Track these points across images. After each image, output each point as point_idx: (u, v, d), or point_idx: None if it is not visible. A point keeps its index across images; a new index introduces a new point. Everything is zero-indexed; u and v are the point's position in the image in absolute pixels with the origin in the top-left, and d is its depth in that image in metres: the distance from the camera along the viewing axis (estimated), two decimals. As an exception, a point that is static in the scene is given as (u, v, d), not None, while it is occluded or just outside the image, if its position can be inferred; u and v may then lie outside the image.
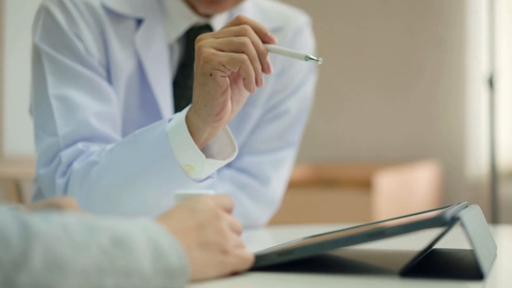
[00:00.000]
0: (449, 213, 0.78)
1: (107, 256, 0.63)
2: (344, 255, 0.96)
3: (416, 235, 0.80)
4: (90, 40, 1.31)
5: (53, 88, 1.28)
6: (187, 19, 1.38)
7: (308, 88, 1.53)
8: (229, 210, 0.82)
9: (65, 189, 1.23)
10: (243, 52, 1.04)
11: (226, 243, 0.77)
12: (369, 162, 3.95)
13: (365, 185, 3.19)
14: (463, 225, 0.76)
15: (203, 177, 1.13)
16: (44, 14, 1.32)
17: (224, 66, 1.04)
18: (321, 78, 4.04)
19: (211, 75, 1.05)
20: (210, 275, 0.75)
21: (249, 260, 0.80)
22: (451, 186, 3.86)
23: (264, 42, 1.06)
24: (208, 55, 1.04)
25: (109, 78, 1.33)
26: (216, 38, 1.06)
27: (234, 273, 0.79)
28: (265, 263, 0.81)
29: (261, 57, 1.05)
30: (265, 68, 1.06)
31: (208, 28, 1.40)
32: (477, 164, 3.76)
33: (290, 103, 1.48)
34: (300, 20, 1.52)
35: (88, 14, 1.32)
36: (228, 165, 1.44)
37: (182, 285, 0.69)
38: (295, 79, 1.50)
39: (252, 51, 1.04)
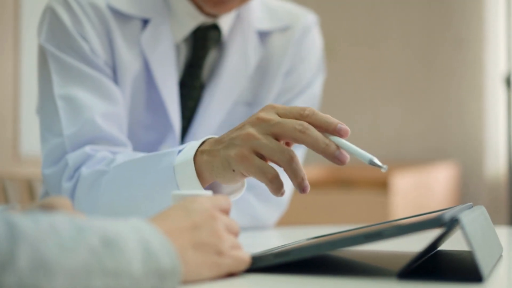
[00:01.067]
0: (448, 214, 0.76)
1: (95, 257, 0.62)
2: (345, 255, 0.95)
3: (423, 236, 0.79)
4: (96, 41, 1.31)
5: (59, 88, 1.28)
6: (194, 19, 1.38)
7: (317, 87, 1.52)
8: (226, 211, 0.81)
9: (72, 194, 1.22)
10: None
11: (221, 244, 0.76)
12: (386, 163, 3.92)
13: (382, 185, 3.17)
14: (461, 226, 0.75)
15: None
16: (49, 14, 1.32)
17: (249, 172, 0.96)
18: (339, 78, 4.04)
19: (234, 171, 0.97)
20: (204, 276, 0.74)
21: (245, 261, 0.79)
22: (469, 186, 3.83)
23: (331, 134, 0.94)
24: (244, 154, 0.95)
25: (115, 78, 1.33)
26: (271, 125, 0.94)
27: (230, 275, 0.78)
28: (262, 265, 0.81)
29: (325, 154, 0.93)
30: (336, 161, 0.94)
31: (215, 28, 1.40)
32: (495, 164, 3.73)
33: (298, 102, 1.47)
34: (308, 19, 1.51)
35: (93, 15, 1.32)
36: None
37: (173, 286, 0.68)
38: (303, 78, 1.49)
39: (294, 170, 0.93)
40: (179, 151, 1.05)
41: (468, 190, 3.83)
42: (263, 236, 1.39)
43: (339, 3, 4.06)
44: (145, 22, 1.36)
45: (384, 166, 0.92)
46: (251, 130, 0.95)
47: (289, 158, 0.92)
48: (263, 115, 0.95)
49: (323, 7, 4.00)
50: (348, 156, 0.94)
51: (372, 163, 0.92)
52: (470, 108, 3.84)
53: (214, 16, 1.39)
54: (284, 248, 0.85)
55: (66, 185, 1.22)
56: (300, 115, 0.94)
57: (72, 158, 1.23)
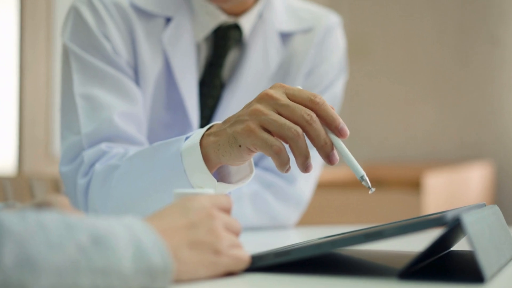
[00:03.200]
0: (451, 214, 0.75)
1: (84, 255, 0.62)
2: (352, 254, 0.94)
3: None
4: (118, 40, 1.32)
5: (79, 87, 1.29)
6: (215, 18, 1.38)
7: (338, 87, 1.50)
8: (226, 210, 0.80)
9: (87, 190, 1.23)
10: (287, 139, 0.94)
11: (218, 243, 0.75)
12: (420, 162, 3.89)
13: (414, 185, 3.14)
14: (463, 226, 0.73)
15: None
16: (73, 14, 1.34)
17: (256, 147, 0.95)
18: (373, 77, 4.01)
19: (240, 146, 0.97)
20: (201, 275, 0.74)
21: (244, 260, 0.78)
22: (505, 186, 3.77)
23: (332, 131, 0.94)
24: (250, 128, 0.94)
25: (136, 78, 1.34)
26: (280, 104, 0.94)
27: (229, 274, 0.77)
28: (262, 264, 0.80)
29: (321, 150, 0.94)
30: (327, 160, 0.94)
31: (236, 27, 1.39)
32: (531, 164, 3.67)
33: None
34: (330, 20, 1.50)
35: (117, 14, 1.33)
36: (255, 164, 1.42)
37: (164, 285, 0.67)
38: (325, 78, 1.48)
39: (300, 147, 0.93)
40: (187, 138, 1.06)
41: (503, 190, 3.77)
42: (282, 236, 1.38)
43: (371, 2, 4.03)
44: (168, 20, 1.37)
45: (372, 189, 0.93)
46: (259, 106, 0.95)
47: (296, 134, 0.92)
48: (272, 92, 0.95)
49: (355, 6, 3.98)
50: (338, 158, 0.94)
51: (362, 179, 0.93)
52: (506, 107, 3.79)
53: (236, 15, 1.39)
54: (285, 247, 0.84)
55: (81, 181, 1.23)
56: (311, 101, 0.94)
57: (88, 154, 1.24)
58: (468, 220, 0.75)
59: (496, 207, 0.99)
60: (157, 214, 0.75)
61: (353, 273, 0.80)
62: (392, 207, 3.14)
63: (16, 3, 3.25)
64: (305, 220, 3.07)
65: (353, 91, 3.99)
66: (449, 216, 0.74)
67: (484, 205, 0.99)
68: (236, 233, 0.80)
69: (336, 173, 3.48)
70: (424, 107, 3.95)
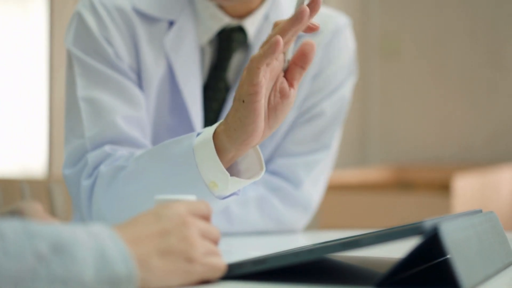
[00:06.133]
0: (429, 222, 0.73)
1: (43, 264, 0.62)
2: (343, 260, 0.92)
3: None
4: (121, 45, 1.32)
5: (82, 91, 1.30)
6: (219, 21, 1.37)
7: (346, 90, 1.48)
8: (205, 217, 0.79)
9: (91, 191, 1.24)
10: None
11: (192, 250, 0.74)
12: (451, 164, 3.84)
13: (444, 187, 3.11)
14: (439, 235, 0.72)
15: (227, 194, 1.11)
16: (76, 18, 1.34)
17: (252, 84, 1.00)
18: (404, 78, 3.97)
19: (244, 101, 1.01)
20: (173, 283, 0.73)
21: (220, 268, 0.77)
22: (538, 189, 3.71)
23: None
24: (243, 79, 1.01)
25: (139, 82, 1.34)
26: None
27: (205, 282, 0.77)
28: (239, 272, 0.79)
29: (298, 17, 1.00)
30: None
31: (240, 30, 1.38)
32: None
33: (325, 105, 1.45)
34: (339, 22, 1.48)
35: (119, 19, 1.33)
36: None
37: (128, 294, 0.67)
38: (332, 80, 1.46)
39: (274, 33, 1.00)
40: (198, 134, 1.08)
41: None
42: (289, 240, 1.37)
43: (402, 2, 3.99)
44: (171, 24, 1.37)
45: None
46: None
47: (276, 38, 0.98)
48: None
49: (386, 6, 3.94)
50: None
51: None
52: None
53: (240, 18, 1.38)
54: (263, 256, 0.83)
55: (85, 183, 1.24)
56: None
57: (92, 156, 1.25)
58: (446, 229, 0.73)
59: (493, 214, 0.97)
60: (131, 221, 0.74)
61: (334, 280, 0.79)
62: (421, 210, 3.11)
63: (46, 3, 3.29)
64: (332, 222, 3.07)
65: (383, 91, 3.96)
66: (427, 225, 0.72)
67: (480, 211, 0.97)
68: (214, 241, 0.79)
69: (365, 175, 3.45)
70: (455, 108, 3.90)
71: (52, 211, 1.94)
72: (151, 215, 0.75)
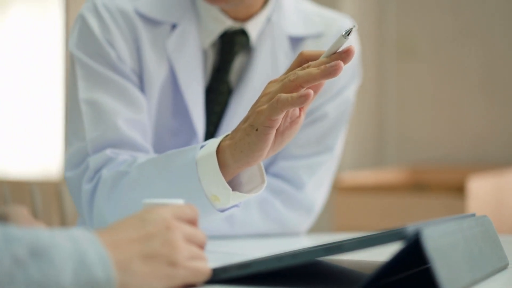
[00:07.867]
0: (412, 227, 0.73)
1: (20, 268, 0.62)
2: (334, 262, 0.92)
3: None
4: (123, 48, 1.33)
5: (84, 93, 1.31)
6: (221, 24, 1.37)
7: (350, 93, 1.48)
8: (191, 221, 0.79)
9: (92, 196, 1.25)
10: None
11: (175, 254, 0.75)
12: (466, 165, 3.81)
13: (459, 189, 3.09)
14: (421, 240, 0.71)
15: (228, 206, 1.12)
16: (80, 21, 1.35)
17: (270, 119, 1.00)
18: (420, 78, 3.95)
19: (257, 130, 1.02)
20: (156, 287, 0.73)
21: (204, 273, 0.77)
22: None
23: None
24: (261, 109, 1.01)
25: (142, 85, 1.34)
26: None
27: (190, 286, 0.77)
28: (224, 276, 0.79)
29: (324, 72, 1.02)
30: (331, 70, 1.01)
31: (243, 33, 1.38)
32: None
33: (329, 107, 1.44)
34: (343, 24, 1.47)
35: (122, 22, 1.34)
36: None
37: (107, 298, 0.67)
38: (336, 84, 1.45)
39: (303, 77, 1.00)
40: (202, 147, 1.09)
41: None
42: (292, 242, 1.37)
43: (419, 3, 3.97)
44: (173, 27, 1.37)
45: (355, 25, 1.05)
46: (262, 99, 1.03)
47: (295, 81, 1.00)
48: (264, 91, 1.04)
49: (403, 6, 3.92)
50: (342, 66, 1.02)
51: (346, 36, 1.02)
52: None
53: (242, 20, 1.38)
54: (246, 260, 0.83)
55: (86, 187, 1.24)
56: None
57: (93, 160, 1.25)
58: (428, 234, 0.73)
59: (486, 218, 0.96)
60: (114, 225, 0.75)
61: (321, 283, 0.79)
62: (436, 212, 3.09)
63: (62, 4, 3.31)
64: (348, 223, 3.06)
65: (399, 92, 3.94)
66: (409, 230, 0.72)
67: (473, 215, 0.97)
68: (200, 245, 0.79)
69: (380, 176, 3.44)
70: (472, 109, 3.88)
71: (61, 213, 1.95)
72: (136, 219, 0.75)
